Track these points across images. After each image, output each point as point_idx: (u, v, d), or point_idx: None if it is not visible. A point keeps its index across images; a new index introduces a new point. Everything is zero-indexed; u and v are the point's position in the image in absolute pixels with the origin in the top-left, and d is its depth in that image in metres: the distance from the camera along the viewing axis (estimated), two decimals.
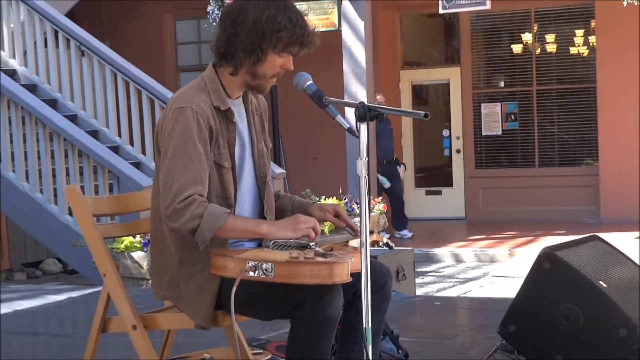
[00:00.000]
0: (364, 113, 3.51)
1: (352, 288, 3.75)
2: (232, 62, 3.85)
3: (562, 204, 16.55)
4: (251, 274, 3.50)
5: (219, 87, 3.90)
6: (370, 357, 3.45)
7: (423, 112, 3.53)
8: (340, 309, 3.62)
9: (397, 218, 15.83)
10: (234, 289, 3.50)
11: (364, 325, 3.45)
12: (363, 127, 3.52)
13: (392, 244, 4.08)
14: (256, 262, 3.49)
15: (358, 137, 3.54)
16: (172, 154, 3.72)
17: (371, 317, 3.47)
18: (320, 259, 3.49)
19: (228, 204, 3.82)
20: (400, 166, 16.11)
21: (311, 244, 3.59)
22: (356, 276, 3.54)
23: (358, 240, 3.82)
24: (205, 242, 3.67)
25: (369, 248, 3.46)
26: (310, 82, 3.79)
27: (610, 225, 14.82)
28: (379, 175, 15.29)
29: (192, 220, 3.63)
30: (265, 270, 3.48)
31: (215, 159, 3.82)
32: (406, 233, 15.58)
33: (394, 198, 15.81)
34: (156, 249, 3.97)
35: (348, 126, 3.67)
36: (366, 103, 3.55)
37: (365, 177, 3.49)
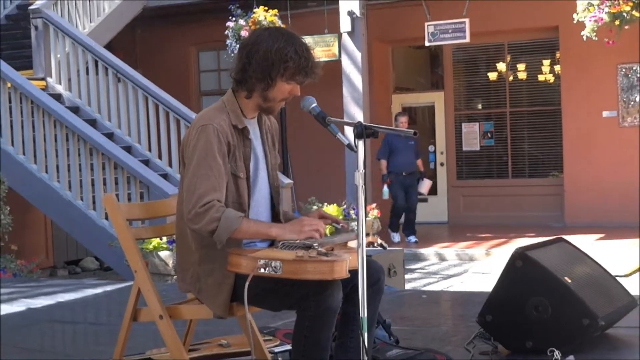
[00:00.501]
0: (362, 131, 3.51)
1: (349, 283, 3.74)
2: (246, 87, 3.86)
3: (532, 210, 16.51)
4: (262, 270, 3.51)
5: (237, 109, 3.90)
6: (366, 343, 3.43)
7: (413, 131, 3.52)
8: (339, 301, 3.62)
9: (407, 225, 15.13)
10: (247, 283, 3.51)
11: (360, 315, 3.43)
12: (360, 144, 3.51)
13: (385, 245, 4.06)
14: (266, 261, 3.50)
15: (356, 152, 3.53)
16: (195, 165, 3.73)
17: (366, 308, 3.46)
18: (322, 258, 3.49)
19: (242, 210, 3.82)
20: (422, 180, 15.05)
21: (314, 244, 3.58)
22: (353, 272, 3.54)
23: (356, 241, 3.82)
24: (222, 242, 3.68)
25: (365, 248, 3.44)
26: (315, 104, 3.81)
27: (573, 228, 14.78)
28: (384, 186, 14.78)
29: (211, 222, 3.64)
30: (275, 267, 3.48)
31: (232, 170, 3.82)
32: (412, 239, 14.93)
33: (406, 207, 15.00)
34: (180, 248, 3.96)
35: (347, 142, 3.67)
36: (363, 122, 3.54)
37: (362, 186, 3.47)
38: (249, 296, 3.52)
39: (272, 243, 3.88)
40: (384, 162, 14.81)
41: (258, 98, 3.88)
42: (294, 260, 3.48)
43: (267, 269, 3.49)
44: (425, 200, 17.74)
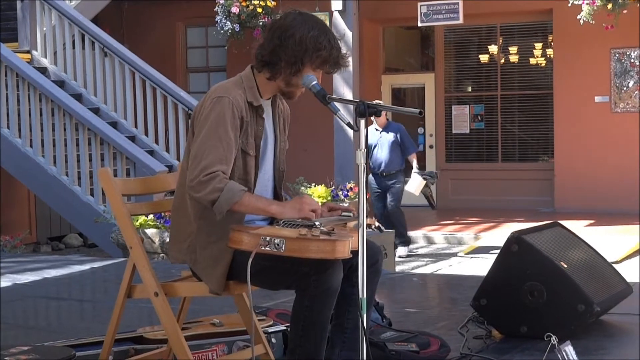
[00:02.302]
0: (364, 110, 3.50)
1: (348, 263, 3.75)
2: (272, 69, 3.86)
3: (521, 194, 16.54)
4: (264, 248, 3.51)
5: (254, 86, 3.91)
6: (365, 323, 3.44)
7: (418, 110, 3.51)
8: (340, 281, 3.64)
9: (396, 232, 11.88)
10: (251, 259, 3.51)
11: (360, 296, 3.44)
12: (362, 122, 3.50)
13: (382, 228, 4.06)
14: (270, 237, 3.50)
15: (357, 130, 3.53)
16: (205, 135, 3.74)
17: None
18: (324, 237, 3.50)
19: (248, 187, 3.83)
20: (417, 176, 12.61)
21: (316, 223, 3.59)
22: (352, 253, 3.54)
23: (354, 222, 3.83)
24: (222, 213, 3.67)
25: (365, 229, 3.45)
26: (315, 82, 3.81)
27: (563, 214, 14.81)
28: None
29: (213, 192, 3.65)
30: (277, 244, 3.48)
31: (243, 146, 3.83)
32: (398, 251, 12.13)
33: (386, 213, 12.54)
34: (178, 218, 3.96)
35: (348, 121, 3.66)
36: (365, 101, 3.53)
37: (363, 165, 3.46)
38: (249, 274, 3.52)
39: (272, 222, 3.89)
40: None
41: (281, 81, 3.90)
42: (297, 238, 3.49)
43: (269, 246, 3.49)
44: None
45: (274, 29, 3.89)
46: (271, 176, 4.04)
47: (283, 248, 3.48)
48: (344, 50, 3.93)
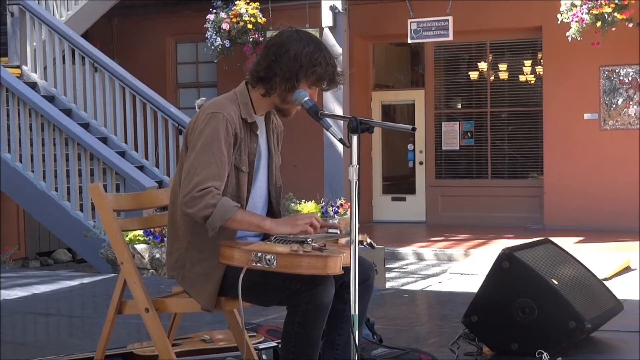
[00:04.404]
0: (356, 126, 3.49)
1: (340, 280, 3.74)
2: (267, 86, 3.86)
3: (511, 211, 16.56)
4: (256, 264, 3.49)
5: (249, 103, 3.91)
6: (357, 340, 3.43)
7: (411, 126, 3.51)
8: (331, 297, 3.63)
9: None
10: (242, 275, 3.50)
11: (352, 313, 3.43)
12: (355, 138, 3.49)
13: (374, 244, 4.05)
14: (261, 254, 3.49)
15: (349, 146, 3.52)
16: (199, 150, 3.73)
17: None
18: (316, 253, 3.48)
19: (240, 203, 3.81)
20: None
21: (308, 239, 3.57)
22: (344, 269, 3.53)
23: (346, 238, 3.81)
24: (214, 230, 3.66)
25: (357, 245, 3.44)
26: (307, 98, 3.81)
27: (552, 231, 14.82)
28: None
29: (206, 208, 3.64)
30: (268, 260, 3.47)
31: (236, 162, 3.83)
32: None
33: None
34: (170, 233, 3.95)
35: (340, 137, 3.66)
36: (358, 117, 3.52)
37: (355, 182, 3.46)
38: (241, 289, 3.50)
39: (264, 238, 3.87)
40: None
41: (276, 98, 3.89)
42: (289, 254, 3.47)
43: (261, 262, 3.48)
44: (403, 199, 17.81)
45: (269, 45, 3.89)
46: (265, 192, 4.03)
47: (274, 264, 3.46)
48: (339, 68, 3.92)
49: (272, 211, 4.06)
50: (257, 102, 3.93)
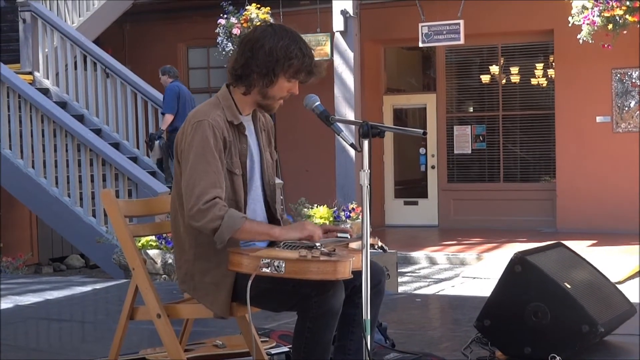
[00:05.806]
0: (367, 130, 3.49)
1: (350, 284, 3.73)
2: (246, 83, 3.83)
3: (523, 214, 16.53)
4: (264, 270, 3.48)
5: (232, 104, 3.88)
6: (369, 345, 3.42)
7: (422, 131, 3.50)
8: (341, 302, 3.60)
9: None
10: (250, 282, 3.49)
11: (363, 318, 3.42)
12: (365, 143, 3.49)
13: (386, 248, 4.04)
14: (269, 260, 3.48)
15: (360, 151, 3.51)
16: (193, 161, 3.71)
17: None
18: (325, 258, 3.47)
19: (238, 207, 3.80)
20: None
21: (317, 244, 3.56)
22: (354, 274, 3.53)
23: (357, 242, 3.80)
24: (223, 242, 3.64)
25: (369, 250, 3.43)
26: (318, 102, 3.79)
27: (565, 234, 14.79)
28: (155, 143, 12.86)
29: (214, 220, 3.61)
30: (277, 266, 3.46)
31: (228, 166, 3.80)
32: None
33: None
34: (176, 247, 3.94)
35: (351, 142, 3.66)
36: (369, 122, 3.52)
37: (367, 186, 3.45)
38: (250, 296, 3.50)
39: (271, 243, 3.85)
40: (169, 117, 12.68)
41: (257, 95, 3.86)
42: (297, 259, 3.46)
43: (269, 268, 3.47)
44: (415, 203, 17.77)
45: (244, 42, 3.86)
46: (262, 191, 4.00)
47: (283, 270, 3.45)
48: (317, 57, 3.88)
49: (270, 211, 4.03)
50: (240, 102, 3.90)
